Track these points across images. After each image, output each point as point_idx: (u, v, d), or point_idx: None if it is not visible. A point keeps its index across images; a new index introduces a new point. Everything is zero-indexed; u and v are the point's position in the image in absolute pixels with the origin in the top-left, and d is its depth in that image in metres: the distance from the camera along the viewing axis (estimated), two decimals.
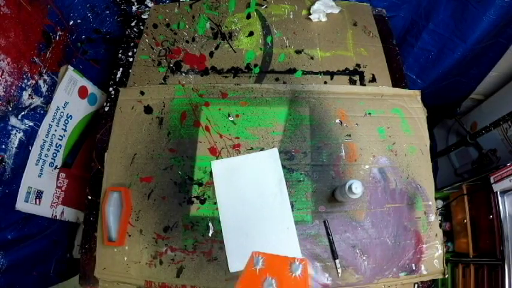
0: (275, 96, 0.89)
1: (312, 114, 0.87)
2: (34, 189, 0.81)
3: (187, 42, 0.99)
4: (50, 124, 0.85)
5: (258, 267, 0.29)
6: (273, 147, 0.84)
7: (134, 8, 1.06)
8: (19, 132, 0.76)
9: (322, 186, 0.81)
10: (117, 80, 0.96)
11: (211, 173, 0.82)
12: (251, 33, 0.99)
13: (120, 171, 0.83)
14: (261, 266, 0.29)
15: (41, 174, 0.84)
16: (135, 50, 0.99)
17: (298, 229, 0.76)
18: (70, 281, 0.99)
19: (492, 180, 0.96)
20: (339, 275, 0.73)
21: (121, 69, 0.97)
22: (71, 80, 0.92)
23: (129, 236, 0.78)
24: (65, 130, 0.92)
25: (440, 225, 0.80)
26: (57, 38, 0.87)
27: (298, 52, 0.96)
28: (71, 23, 0.91)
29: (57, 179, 0.91)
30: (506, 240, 0.92)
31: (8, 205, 0.75)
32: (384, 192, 0.80)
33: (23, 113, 0.77)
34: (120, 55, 0.99)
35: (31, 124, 0.79)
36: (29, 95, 0.79)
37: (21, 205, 0.78)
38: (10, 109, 0.74)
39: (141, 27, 1.02)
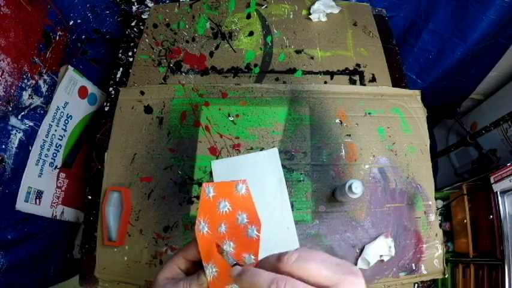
0: (275, 96, 0.89)
1: (312, 114, 0.87)
2: (34, 189, 0.81)
3: (187, 42, 0.99)
4: (50, 124, 0.85)
5: (211, 195, 0.34)
6: (273, 147, 0.84)
7: (134, 8, 1.06)
8: (19, 132, 0.76)
9: (322, 186, 0.81)
10: (117, 80, 0.96)
11: (211, 172, 0.82)
12: (251, 33, 0.99)
13: (120, 171, 0.83)
14: (213, 193, 0.34)
15: (41, 174, 0.84)
16: (135, 50, 0.99)
17: (298, 229, 0.76)
18: (70, 281, 0.99)
19: (492, 180, 0.96)
20: None
21: (121, 69, 0.98)
22: (71, 80, 0.92)
23: (129, 235, 0.78)
24: (65, 130, 0.92)
25: (440, 225, 0.80)
26: (57, 38, 0.87)
27: (298, 52, 0.96)
28: (71, 23, 0.91)
29: (57, 179, 0.91)
30: (506, 240, 0.92)
31: (8, 205, 0.75)
32: (383, 192, 0.80)
33: (23, 113, 0.77)
34: (120, 55, 0.99)
35: (31, 124, 0.79)
36: (29, 95, 0.79)
37: (21, 205, 0.78)
38: (10, 109, 0.74)
39: (141, 27, 1.02)
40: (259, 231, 0.32)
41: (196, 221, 0.34)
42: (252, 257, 0.32)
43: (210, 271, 0.32)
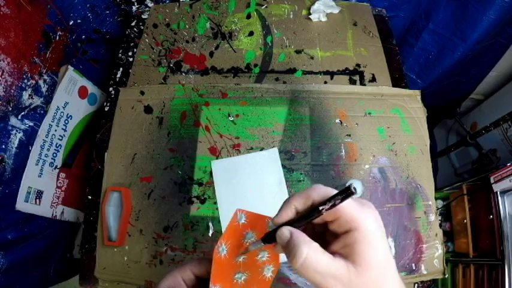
0: (275, 96, 0.89)
1: (312, 114, 0.87)
2: (34, 189, 0.81)
3: (187, 42, 0.99)
4: (50, 124, 0.85)
5: (241, 223, 0.33)
6: (273, 147, 0.84)
7: (134, 8, 1.06)
8: (19, 132, 0.76)
9: None
10: (117, 80, 0.97)
11: (211, 172, 0.82)
12: (251, 33, 0.99)
13: (120, 171, 0.83)
14: (244, 221, 0.34)
15: (41, 174, 0.84)
16: (135, 50, 0.99)
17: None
18: (70, 281, 0.99)
19: (492, 180, 0.96)
20: None
21: (121, 69, 0.98)
22: (71, 80, 0.92)
23: (129, 235, 0.78)
24: (65, 130, 0.92)
25: (440, 225, 0.80)
26: (57, 38, 0.87)
27: (298, 52, 0.96)
28: (71, 23, 0.91)
29: (57, 179, 0.91)
30: (506, 240, 0.92)
31: (8, 205, 0.75)
32: (384, 192, 0.80)
33: (23, 113, 0.77)
34: (120, 55, 0.99)
35: (31, 124, 0.79)
36: (29, 95, 0.79)
37: (21, 205, 0.78)
38: (10, 109, 0.74)
39: (141, 27, 1.02)
40: (274, 273, 0.32)
41: (218, 242, 0.33)
42: None
43: None
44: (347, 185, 0.25)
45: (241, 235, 0.33)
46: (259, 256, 0.33)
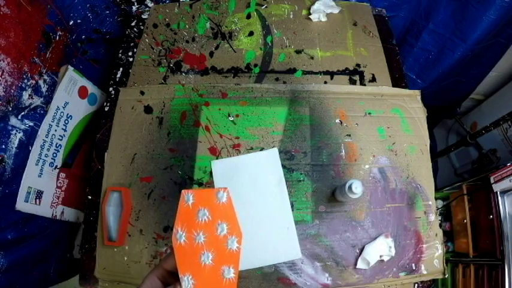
0: (275, 96, 0.89)
1: (312, 114, 0.87)
2: (34, 189, 0.81)
3: (187, 42, 0.99)
4: (50, 124, 0.85)
5: (190, 203, 0.33)
6: (273, 147, 0.84)
7: (134, 8, 1.06)
8: (19, 132, 0.76)
9: (322, 186, 0.81)
10: (117, 80, 0.96)
11: (211, 172, 0.82)
12: (251, 33, 0.99)
13: (120, 171, 0.83)
14: (192, 201, 0.33)
15: (41, 174, 0.84)
16: (135, 50, 0.99)
17: (298, 229, 0.76)
18: (70, 281, 0.99)
19: (492, 180, 0.96)
20: None
21: (121, 69, 0.98)
22: (71, 80, 0.92)
23: (129, 235, 0.78)
24: (65, 130, 0.92)
25: (440, 225, 0.80)
26: (57, 38, 0.87)
27: (298, 52, 0.96)
28: (71, 23, 0.91)
29: (57, 179, 0.91)
30: (506, 240, 0.92)
31: (8, 205, 0.75)
32: (383, 192, 0.80)
33: (23, 113, 0.77)
34: (120, 55, 0.99)
35: (31, 124, 0.79)
36: (29, 95, 0.79)
37: (21, 205, 0.78)
38: (10, 109, 0.74)
39: (141, 27, 1.02)
40: (239, 243, 0.31)
41: (174, 230, 0.32)
42: (232, 270, 0.31)
43: (187, 283, 0.31)
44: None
45: (194, 215, 0.32)
46: (219, 231, 0.32)
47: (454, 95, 1.34)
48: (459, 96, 1.35)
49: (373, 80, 0.93)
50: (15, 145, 0.75)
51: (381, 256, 0.74)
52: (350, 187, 0.67)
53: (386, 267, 0.75)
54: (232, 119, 0.87)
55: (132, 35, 1.02)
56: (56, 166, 0.90)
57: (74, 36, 0.94)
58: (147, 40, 1.00)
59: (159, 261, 0.35)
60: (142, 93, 0.91)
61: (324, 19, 1.01)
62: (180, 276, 0.31)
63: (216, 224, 0.32)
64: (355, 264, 0.75)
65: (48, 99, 0.85)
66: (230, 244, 0.32)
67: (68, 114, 0.91)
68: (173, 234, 0.32)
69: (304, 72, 0.93)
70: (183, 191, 0.33)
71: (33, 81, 0.80)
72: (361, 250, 0.75)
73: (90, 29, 0.99)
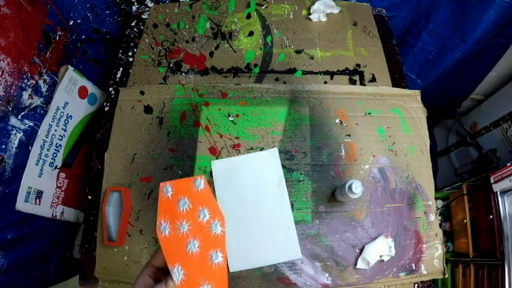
0: (275, 96, 0.89)
1: (312, 114, 0.87)
2: (34, 189, 0.81)
3: (187, 42, 0.99)
4: (50, 124, 0.85)
5: (170, 194, 0.33)
6: (273, 147, 0.84)
7: (134, 8, 1.06)
8: (19, 132, 0.76)
9: (322, 186, 0.81)
10: (117, 80, 0.96)
11: (211, 172, 0.82)
12: (251, 33, 0.99)
13: (120, 171, 0.83)
14: (171, 192, 0.33)
15: (41, 174, 0.84)
16: (135, 50, 0.99)
17: (298, 229, 0.76)
18: (70, 281, 0.99)
19: (492, 180, 0.96)
20: None
21: (121, 69, 0.98)
22: (71, 80, 0.92)
23: (129, 235, 0.78)
24: (65, 130, 0.92)
25: (440, 225, 0.80)
26: (57, 38, 0.87)
27: (298, 52, 0.96)
28: (71, 23, 0.91)
29: (57, 179, 0.91)
30: (506, 240, 0.92)
31: (8, 205, 0.75)
32: (383, 192, 0.80)
33: (23, 113, 0.77)
34: (120, 55, 0.99)
35: (31, 124, 0.79)
36: (29, 95, 0.79)
37: (21, 205, 0.78)
38: (10, 109, 0.74)
39: (141, 27, 1.02)
40: (223, 226, 0.32)
41: (157, 223, 0.32)
42: (220, 254, 0.31)
43: (178, 275, 0.31)
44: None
45: (175, 205, 0.33)
46: (201, 217, 0.32)
47: (454, 95, 1.34)
48: (459, 96, 1.35)
49: (373, 80, 0.93)
50: (15, 145, 0.75)
51: (381, 256, 0.74)
52: (350, 187, 0.67)
53: (386, 267, 0.75)
54: (232, 119, 0.87)
55: (132, 35, 1.02)
56: (56, 166, 0.90)
57: (74, 36, 0.94)
58: (147, 40, 1.00)
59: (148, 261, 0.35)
60: (142, 93, 0.91)
61: (324, 19, 1.01)
62: (169, 268, 0.31)
63: (198, 211, 0.32)
64: (355, 264, 0.75)
65: (48, 99, 0.85)
66: (214, 228, 0.32)
67: (68, 114, 0.91)
68: (157, 228, 0.32)
69: (304, 72, 0.93)
70: (161, 183, 0.34)
71: (33, 81, 0.80)
72: (361, 250, 0.75)
73: (90, 29, 0.99)
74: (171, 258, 0.31)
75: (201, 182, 0.34)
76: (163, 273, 0.34)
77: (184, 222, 0.32)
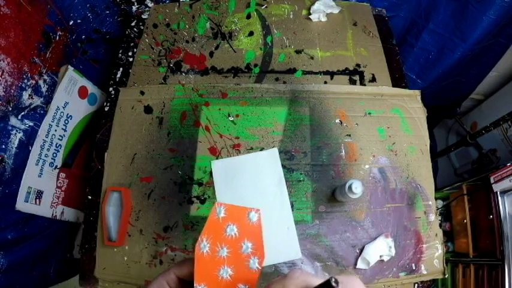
0: (275, 96, 0.89)
1: (312, 114, 0.87)
2: (34, 189, 0.81)
3: (187, 42, 0.99)
4: (50, 124, 0.85)
5: (221, 216, 0.33)
6: (273, 147, 0.84)
7: (134, 8, 1.06)
8: (19, 132, 0.76)
9: (322, 186, 0.81)
10: (117, 80, 0.97)
11: (211, 172, 0.82)
12: (251, 33, 0.99)
13: (120, 171, 0.83)
14: (223, 214, 0.33)
15: (41, 174, 0.84)
16: (135, 50, 0.99)
17: (298, 229, 0.76)
18: (70, 281, 0.99)
19: (492, 180, 0.96)
20: None
21: (121, 69, 0.98)
22: (71, 80, 0.92)
23: (129, 235, 0.78)
24: (65, 130, 0.92)
25: (440, 225, 0.80)
26: (57, 38, 0.87)
27: (298, 52, 0.96)
28: (71, 23, 0.91)
29: (57, 179, 0.91)
30: (506, 240, 0.92)
31: (8, 205, 0.75)
32: (383, 192, 0.80)
33: (23, 113, 0.77)
34: (120, 55, 0.99)
35: (31, 124, 0.79)
36: (29, 95, 0.79)
37: (21, 205, 0.78)
38: (10, 109, 0.74)
39: (141, 27, 1.02)
40: (261, 264, 0.32)
41: (199, 239, 0.32)
42: None
43: None
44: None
45: (222, 229, 0.33)
46: (243, 249, 0.32)
47: (454, 95, 1.34)
48: (459, 96, 1.35)
49: (373, 80, 0.93)
50: (15, 145, 0.75)
51: (380, 256, 0.74)
52: (350, 187, 0.67)
53: (386, 267, 0.75)
54: (232, 119, 0.87)
55: (132, 35, 1.02)
56: (56, 166, 0.90)
57: (74, 36, 0.94)
58: (147, 40, 1.00)
59: (169, 268, 0.35)
60: (142, 93, 0.91)
61: (324, 19, 1.01)
62: (195, 284, 0.31)
63: (242, 241, 0.32)
64: (355, 264, 0.75)
65: (48, 99, 0.85)
66: (252, 264, 0.32)
67: (68, 114, 0.91)
68: (197, 243, 0.32)
69: (304, 72, 0.93)
70: (216, 203, 0.34)
71: (33, 81, 0.80)
72: (361, 250, 0.75)
73: (90, 29, 0.99)
74: (200, 276, 0.31)
75: (255, 215, 0.33)
76: (182, 284, 0.34)
77: (225, 248, 0.32)
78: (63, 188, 0.92)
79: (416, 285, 0.77)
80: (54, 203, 0.89)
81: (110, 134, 0.87)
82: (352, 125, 0.86)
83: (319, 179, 0.81)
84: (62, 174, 0.92)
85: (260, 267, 0.32)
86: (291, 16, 1.02)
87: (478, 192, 1.06)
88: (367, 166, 0.82)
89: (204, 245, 0.32)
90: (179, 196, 0.80)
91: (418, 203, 0.80)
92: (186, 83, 0.92)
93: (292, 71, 0.93)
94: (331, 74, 0.93)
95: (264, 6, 1.03)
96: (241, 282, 0.31)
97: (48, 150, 0.85)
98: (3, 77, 0.71)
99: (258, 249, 0.32)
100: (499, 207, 0.95)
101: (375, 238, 0.76)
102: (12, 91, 0.74)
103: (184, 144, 0.85)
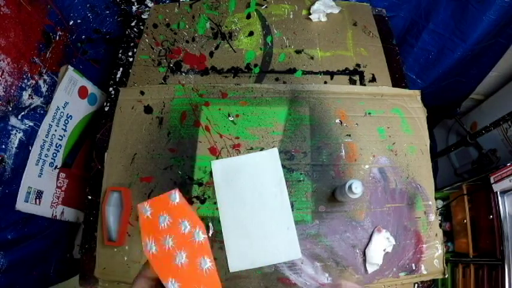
0: (275, 96, 0.89)
1: (312, 114, 0.87)
2: (34, 189, 0.81)
3: (187, 42, 0.99)
4: (50, 124, 0.85)
5: (149, 213, 0.34)
6: (273, 147, 0.84)
7: (134, 8, 1.06)
8: (19, 132, 0.76)
9: (322, 186, 0.81)
10: (117, 80, 0.97)
11: (211, 172, 0.82)
12: (251, 33, 0.99)
13: (120, 171, 0.83)
14: (150, 211, 0.34)
15: (41, 174, 0.84)
16: (135, 50, 0.99)
17: (298, 229, 0.76)
18: (70, 281, 0.99)
19: (492, 180, 0.96)
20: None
21: (121, 69, 0.98)
22: (71, 80, 0.92)
23: (129, 235, 0.78)
24: (65, 130, 0.92)
25: (440, 225, 0.80)
26: (57, 38, 0.87)
27: (298, 52, 0.96)
28: (71, 23, 0.91)
29: (57, 179, 0.91)
30: (506, 240, 0.92)
31: (8, 205, 0.75)
32: (384, 192, 0.80)
33: (23, 113, 0.77)
34: (120, 55, 0.99)
35: (31, 124, 0.79)
36: (29, 95, 0.79)
37: (21, 205, 0.78)
38: (10, 109, 0.74)
39: (141, 27, 1.02)
40: (204, 233, 0.32)
41: (142, 243, 0.33)
42: (207, 260, 0.32)
43: None
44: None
45: (156, 223, 0.33)
46: (183, 229, 0.33)
47: (454, 95, 1.34)
48: (459, 96, 1.35)
49: (373, 80, 0.93)
50: (15, 145, 0.75)
51: (384, 250, 0.74)
52: (350, 187, 0.66)
53: (386, 267, 0.75)
54: (232, 119, 0.87)
55: (132, 35, 1.02)
56: (56, 166, 0.90)
57: (74, 36, 0.94)
58: (147, 40, 1.00)
59: (138, 273, 0.36)
60: (142, 93, 0.91)
61: (324, 19, 1.01)
62: (164, 284, 0.32)
63: (178, 223, 0.33)
64: (355, 264, 0.75)
65: (48, 99, 0.85)
66: (197, 237, 0.32)
67: (68, 114, 0.91)
68: (143, 248, 0.33)
69: (304, 72, 0.93)
70: (138, 204, 0.34)
71: (33, 81, 0.80)
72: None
73: (90, 29, 0.99)
74: (163, 274, 0.32)
75: (176, 195, 0.34)
76: (158, 284, 0.34)
77: (168, 237, 0.33)
78: (63, 188, 0.92)
79: (416, 285, 0.77)
80: (54, 203, 0.89)
81: (110, 134, 0.87)
82: (352, 125, 0.86)
83: (319, 179, 0.81)
84: (62, 174, 0.92)
85: (205, 235, 0.32)
86: (291, 16, 1.02)
87: (478, 192, 1.06)
88: (367, 166, 0.82)
89: (150, 246, 0.33)
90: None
91: (418, 203, 0.80)
92: (186, 83, 0.92)
93: (292, 71, 0.93)
94: (331, 74, 0.93)
95: (264, 6, 1.03)
96: (197, 257, 0.32)
97: (48, 150, 0.85)
98: (3, 77, 0.71)
99: (195, 222, 0.33)
100: (499, 207, 0.95)
101: (370, 239, 0.76)
102: (12, 91, 0.74)
103: (184, 144, 0.85)
